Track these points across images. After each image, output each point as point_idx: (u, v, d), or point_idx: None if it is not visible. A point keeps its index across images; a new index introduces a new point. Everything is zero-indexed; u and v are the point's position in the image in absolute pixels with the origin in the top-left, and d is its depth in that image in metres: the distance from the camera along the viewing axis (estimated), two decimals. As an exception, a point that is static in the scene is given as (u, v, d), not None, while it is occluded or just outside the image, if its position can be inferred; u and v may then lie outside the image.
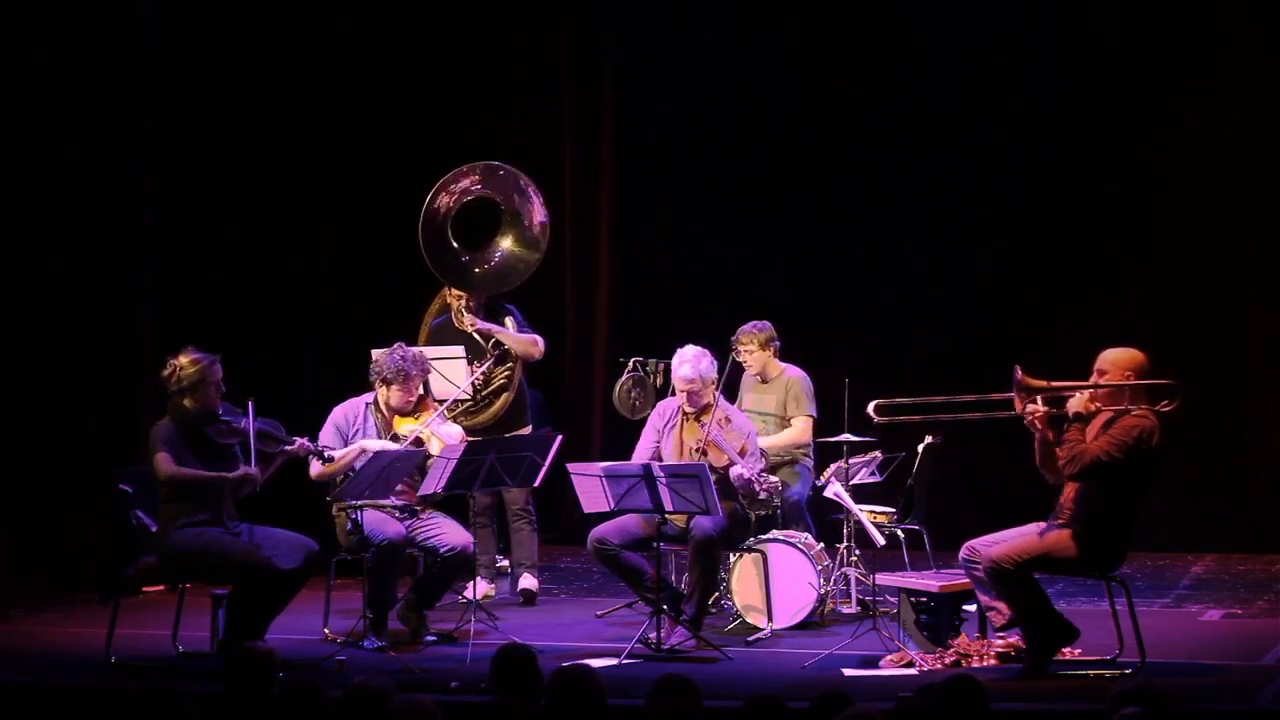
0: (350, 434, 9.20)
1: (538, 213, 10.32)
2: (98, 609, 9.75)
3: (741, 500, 9.15)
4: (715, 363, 9.35)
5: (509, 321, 10.17)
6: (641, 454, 9.36)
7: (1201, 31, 12.06)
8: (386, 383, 9.25)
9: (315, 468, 9.05)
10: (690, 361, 9.25)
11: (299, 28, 12.24)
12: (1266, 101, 11.94)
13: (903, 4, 12.42)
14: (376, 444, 9.04)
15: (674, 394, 9.66)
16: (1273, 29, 11.90)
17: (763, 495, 9.16)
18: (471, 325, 10.09)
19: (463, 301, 10.14)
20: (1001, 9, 12.25)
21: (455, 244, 10.24)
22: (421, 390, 9.39)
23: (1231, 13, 11.99)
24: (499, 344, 10.10)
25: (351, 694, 5.73)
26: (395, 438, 9.17)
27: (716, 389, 9.29)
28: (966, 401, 8.61)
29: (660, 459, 9.25)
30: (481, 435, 9.88)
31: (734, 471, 9.03)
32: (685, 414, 9.31)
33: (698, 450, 9.12)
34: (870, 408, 8.66)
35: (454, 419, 9.88)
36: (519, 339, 10.14)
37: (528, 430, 10.07)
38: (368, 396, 9.35)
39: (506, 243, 10.30)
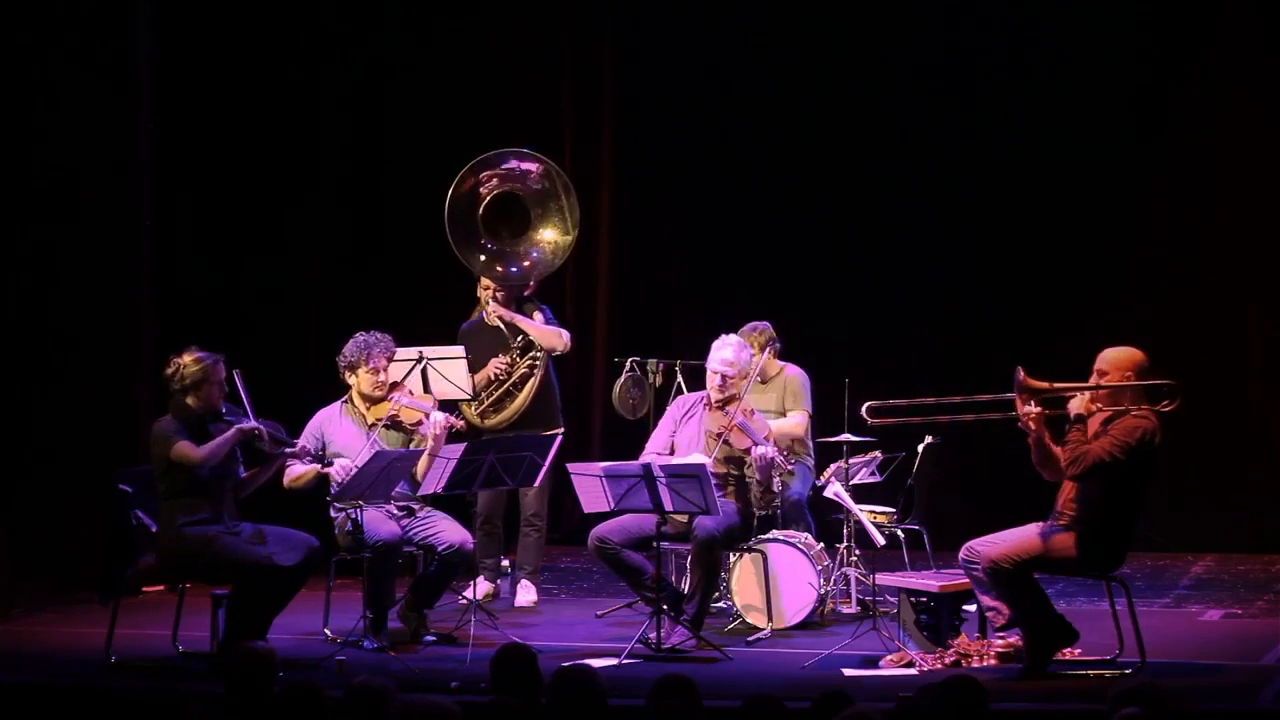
0: (325, 440, 9.16)
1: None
2: (98, 609, 9.74)
3: (755, 491, 9.11)
4: (752, 359, 9.37)
5: (538, 316, 10.16)
6: (657, 443, 9.36)
7: (1202, 32, 12.06)
8: (353, 368, 9.19)
9: (292, 471, 9.01)
10: (732, 346, 9.27)
11: (303, 17, 12.26)
12: (1267, 102, 11.94)
13: (907, 4, 12.42)
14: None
15: (679, 394, 9.68)
16: (1273, 30, 11.90)
17: (777, 487, 9.16)
18: (496, 314, 10.07)
19: (490, 292, 10.13)
20: (1004, 11, 12.24)
21: (487, 235, 10.23)
22: (394, 378, 9.33)
23: (1232, 14, 11.99)
24: (525, 337, 10.09)
25: (351, 694, 5.73)
26: (372, 426, 9.13)
27: (747, 383, 9.30)
28: (958, 403, 8.61)
29: (674, 450, 9.26)
30: (510, 431, 9.85)
31: (758, 450, 8.99)
32: (710, 402, 9.30)
33: (718, 436, 9.11)
34: (864, 410, 8.67)
35: (480, 414, 9.87)
36: (543, 330, 10.12)
37: (560, 430, 10.01)
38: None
39: (548, 234, 10.29)
